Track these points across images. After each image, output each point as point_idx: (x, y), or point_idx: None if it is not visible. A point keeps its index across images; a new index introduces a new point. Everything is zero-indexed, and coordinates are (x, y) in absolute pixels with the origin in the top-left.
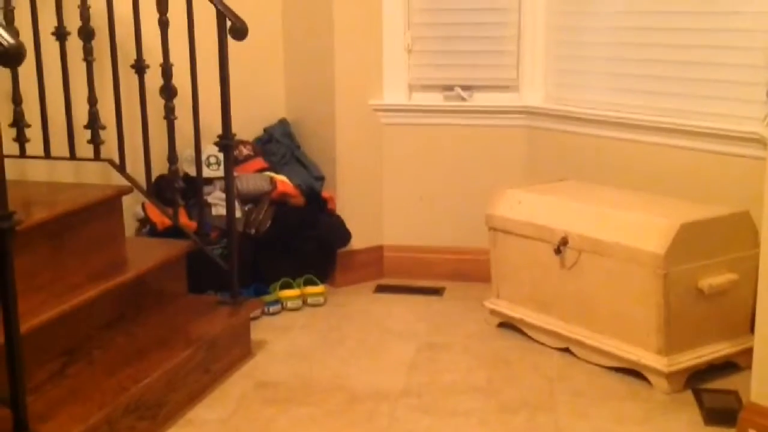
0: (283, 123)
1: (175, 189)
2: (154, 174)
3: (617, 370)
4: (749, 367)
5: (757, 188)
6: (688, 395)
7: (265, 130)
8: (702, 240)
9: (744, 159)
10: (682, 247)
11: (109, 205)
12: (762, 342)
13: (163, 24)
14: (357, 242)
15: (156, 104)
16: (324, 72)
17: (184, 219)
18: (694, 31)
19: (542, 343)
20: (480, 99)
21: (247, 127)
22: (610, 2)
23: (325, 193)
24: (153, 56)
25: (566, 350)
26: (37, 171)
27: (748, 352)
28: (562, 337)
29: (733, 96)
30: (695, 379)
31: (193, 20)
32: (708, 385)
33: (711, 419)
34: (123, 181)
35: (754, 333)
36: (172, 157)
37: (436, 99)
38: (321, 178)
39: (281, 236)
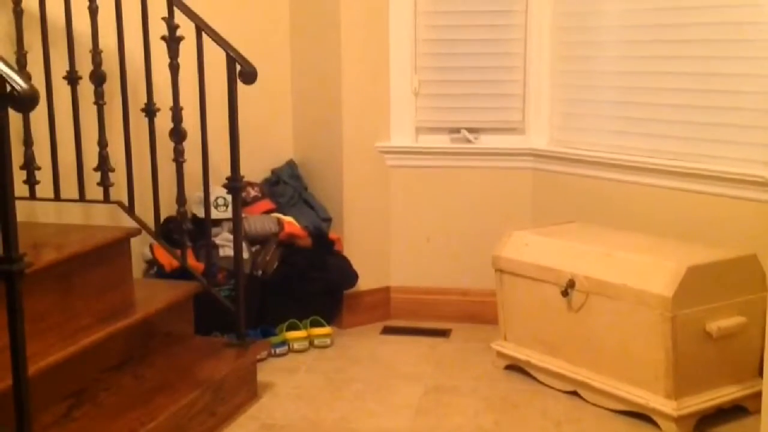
0: (290, 164)
1: (183, 231)
2: (163, 215)
3: (625, 413)
4: (758, 411)
5: (764, 231)
6: None
7: (272, 171)
8: (710, 283)
9: (751, 202)
10: (690, 289)
11: (118, 247)
12: None
13: (174, 68)
14: (364, 283)
15: (165, 147)
16: (331, 114)
17: (191, 260)
18: (699, 75)
19: (550, 386)
20: (486, 141)
21: (255, 168)
22: (615, 47)
23: (332, 235)
24: (163, 99)
25: (574, 393)
26: (46, 213)
27: (757, 396)
28: (569, 379)
29: (739, 140)
30: (704, 423)
31: (203, 64)
32: (716, 430)
33: None
34: (132, 223)
35: (762, 376)
36: (181, 198)
37: (442, 141)
38: (328, 220)
39: (288, 277)
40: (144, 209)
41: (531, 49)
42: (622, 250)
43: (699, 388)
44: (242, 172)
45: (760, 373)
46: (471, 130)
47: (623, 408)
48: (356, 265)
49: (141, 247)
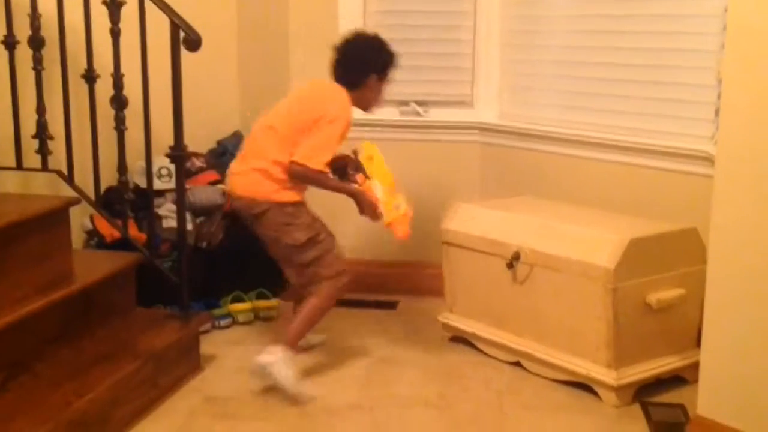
0: (237, 135)
1: (125, 200)
2: (104, 185)
3: (567, 383)
4: (696, 380)
5: (704, 205)
6: (636, 409)
7: (218, 142)
8: (651, 255)
9: (692, 176)
10: (632, 262)
11: (57, 216)
12: (708, 356)
13: (115, 34)
14: None
15: (106, 115)
16: (279, 85)
17: (134, 231)
18: (643, 50)
19: (494, 357)
20: (435, 114)
21: (200, 139)
22: (564, 22)
23: None
24: (104, 66)
25: (517, 364)
26: None
27: (695, 366)
28: (513, 350)
29: (682, 114)
30: (643, 392)
31: (145, 30)
32: (656, 399)
33: None
34: (71, 193)
35: (700, 347)
36: (122, 168)
37: (391, 114)
38: None
39: (234, 250)
40: (84, 179)
41: (480, 23)
42: (567, 223)
43: (639, 359)
44: (187, 142)
45: (699, 344)
46: (420, 103)
47: (565, 378)
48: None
49: (81, 218)
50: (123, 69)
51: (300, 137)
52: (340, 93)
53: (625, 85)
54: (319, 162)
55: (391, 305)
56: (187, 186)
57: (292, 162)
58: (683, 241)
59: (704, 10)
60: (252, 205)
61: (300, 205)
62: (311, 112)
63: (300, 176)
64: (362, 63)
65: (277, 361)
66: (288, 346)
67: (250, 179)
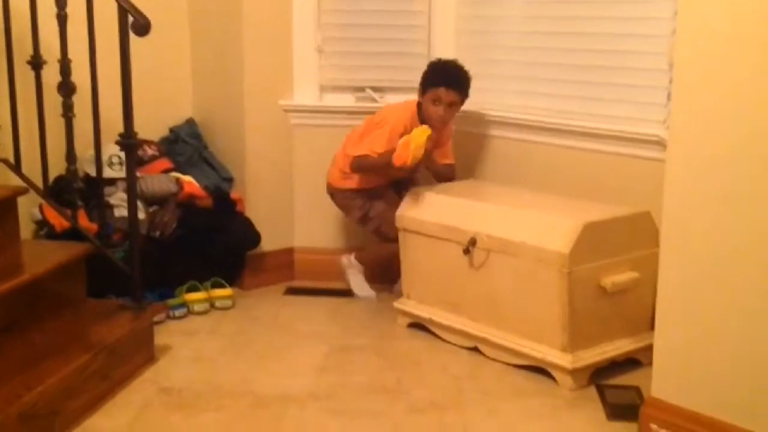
0: (190, 123)
1: (74, 189)
2: (53, 174)
3: (524, 367)
4: (650, 363)
5: (657, 189)
6: (592, 391)
7: (171, 130)
8: (605, 239)
9: (645, 161)
10: (586, 246)
11: (3, 206)
12: (661, 339)
13: (62, 18)
14: (267, 244)
15: (53, 102)
16: (233, 71)
17: (84, 221)
18: (597, 35)
19: (451, 343)
20: (391, 100)
21: (152, 126)
22: (519, 7)
23: (233, 195)
24: (51, 52)
25: (475, 349)
26: None
27: (649, 349)
28: (470, 336)
29: (635, 99)
30: (599, 375)
31: (93, 15)
32: (611, 381)
33: (614, 414)
34: (19, 182)
35: (654, 330)
36: (71, 156)
37: (347, 100)
38: (229, 180)
39: (188, 239)
40: (32, 167)
41: (435, 8)
42: (522, 208)
43: (594, 342)
44: (139, 130)
45: (652, 327)
46: (376, 89)
47: (521, 362)
48: (259, 225)
49: (31, 208)
50: (70, 55)
51: (362, 139)
52: (399, 104)
53: (580, 71)
54: (359, 150)
55: (348, 293)
56: (139, 174)
57: (347, 156)
58: (637, 224)
59: None
60: (328, 189)
61: (356, 190)
62: (373, 119)
63: (352, 165)
64: (420, 81)
65: (351, 266)
66: (359, 261)
67: (329, 169)
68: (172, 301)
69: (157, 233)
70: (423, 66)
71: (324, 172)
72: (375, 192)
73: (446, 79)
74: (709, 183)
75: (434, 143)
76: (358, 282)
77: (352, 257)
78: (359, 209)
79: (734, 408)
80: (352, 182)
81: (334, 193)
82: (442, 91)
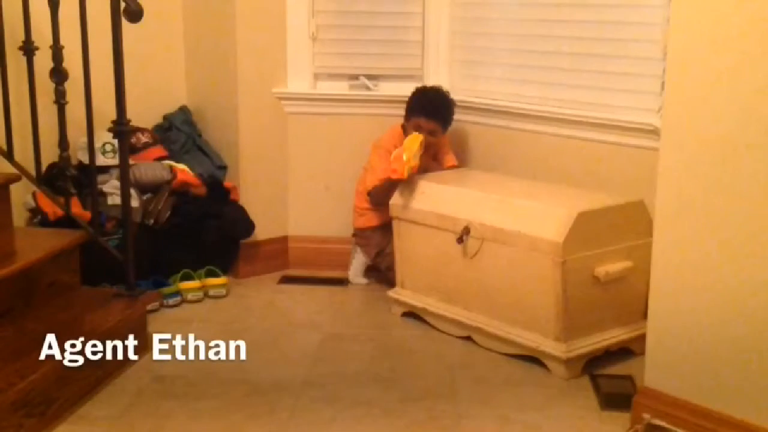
0: (183, 110)
1: (67, 177)
2: (47, 161)
3: (518, 357)
4: (643, 352)
5: (651, 178)
6: (585, 381)
7: (165, 117)
8: (599, 228)
9: (640, 149)
10: (580, 235)
11: None
12: (654, 328)
13: (54, 4)
14: (261, 233)
15: (46, 88)
16: (226, 59)
17: (78, 209)
18: (591, 23)
19: (445, 332)
20: (385, 88)
21: (146, 114)
22: None
23: (227, 183)
24: (43, 38)
25: (469, 338)
26: None
27: (643, 338)
28: (464, 325)
29: (629, 88)
30: (592, 364)
31: (85, 1)
32: (604, 371)
33: (607, 404)
34: (11, 169)
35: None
36: (63, 143)
37: (341, 88)
38: (223, 168)
39: (182, 227)
40: (25, 155)
41: None
42: (516, 197)
43: (587, 331)
44: (133, 117)
45: (646, 316)
46: (370, 77)
47: (515, 352)
48: (253, 214)
49: (25, 196)
50: (63, 41)
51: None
52: (385, 133)
53: (574, 59)
54: (368, 184)
55: (342, 282)
56: (133, 162)
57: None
58: (631, 214)
59: None
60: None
61: (374, 228)
62: (369, 156)
63: (371, 201)
64: (405, 106)
65: (360, 254)
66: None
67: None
68: (165, 290)
69: (151, 221)
70: (418, 53)
71: (318, 159)
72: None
73: (426, 109)
74: (702, 172)
75: (434, 155)
76: (357, 267)
77: (362, 252)
78: (376, 246)
79: (727, 398)
80: (370, 220)
81: (355, 233)
82: (422, 121)
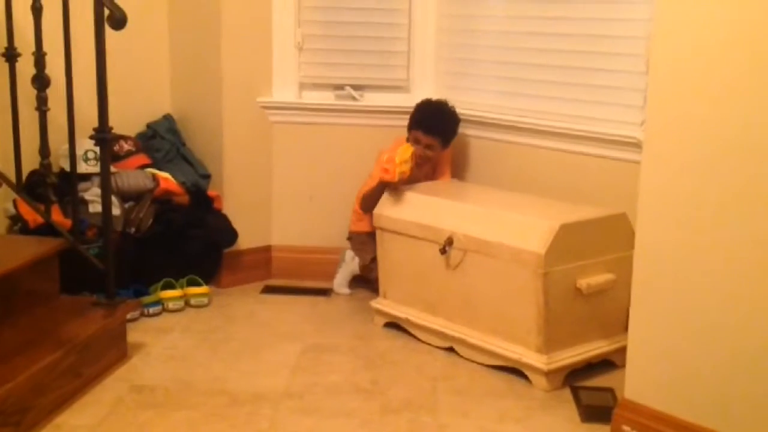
0: (167, 119)
1: (47, 184)
2: (28, 169)
3: (499, 368)
4: (625, 365)
5: (633, 190)
6: (567, 393)
7: (148, 125)
8: (581, 240)
9: (623, 162)
10: (562, 247)
11: None
12: (635, 341)
13: (37, 10)
14: (244, 242)
15: (28, 95)
16: (211, 67)
17: (59, 216)
18: (575, 36)
19: (427, 343)
20: (371, 99)
21: (129, 122)
22: (499, 7)
23: (211, 192)
24: (25, 44)
25: (451, 350)
26: None
27: (624, 351)
28: (446, 336)
29: (612, 101)
30: (573, 376)
31: (68, 7)
32: (585, 383)
33: (588, 416)
34: None
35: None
36: (45, 150)
37: (326, 98)
38: (207, 176)
39: (164, 235)
40: (5, 162)
41: (416, 6)
42: (499, 208)
43: (569, 343)
44: (116, 125)
45: (627, 329)
46: (356, 87)
47: (497, 363)
48: (236, 223)
49: (4, 203)
50: (45, 47)
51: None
52: (394, 140)
53: (558, 72)
54: (365, 188)
55: (324, 292)
56: (115, 170)
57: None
58: (613, 226)
59: None
60: (348, 235)
61: (369, 233)
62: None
63: (361, 205)
64: (409, 118)
65: (348, 263)
66: (360, 270)
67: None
68: (146, 299)
69: (133, 229)
70: (404, 64)
71: (303, 169)
72: None
73: (424, 123)
74: (683, 185)
75: (433, 168)
76: (343, 276)
77: (357, 260)
78: (370, 252)
79: (707, 410)
80: (367, 225)
81: (351, 236)
82: (420, 135)
